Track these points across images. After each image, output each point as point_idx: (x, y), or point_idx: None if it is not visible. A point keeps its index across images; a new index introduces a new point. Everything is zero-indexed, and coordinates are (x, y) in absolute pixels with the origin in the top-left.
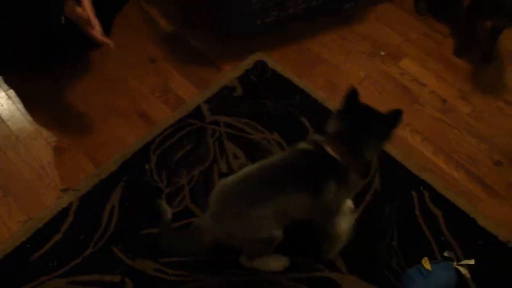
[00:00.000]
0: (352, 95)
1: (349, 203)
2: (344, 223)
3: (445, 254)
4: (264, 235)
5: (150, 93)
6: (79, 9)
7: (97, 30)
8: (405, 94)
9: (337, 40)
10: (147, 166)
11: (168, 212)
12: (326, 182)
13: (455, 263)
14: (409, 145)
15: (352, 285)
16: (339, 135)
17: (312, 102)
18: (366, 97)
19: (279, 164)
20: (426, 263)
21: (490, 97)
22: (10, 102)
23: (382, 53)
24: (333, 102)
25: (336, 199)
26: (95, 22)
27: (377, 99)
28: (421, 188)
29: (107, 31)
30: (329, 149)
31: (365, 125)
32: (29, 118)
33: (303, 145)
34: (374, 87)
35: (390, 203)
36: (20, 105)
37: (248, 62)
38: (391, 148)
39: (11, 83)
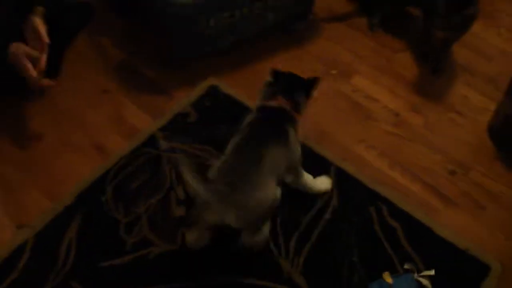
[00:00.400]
0: (275, 72)
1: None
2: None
3: (406, 266)
4: (272, 196)
5: (104, 123)
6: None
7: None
8: (358, 111)
9: (289, 60)
10: (103, 198)
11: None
12: (287, 130)
13: (416, 275)
14: (365, 161)
15: None
16: (279, 93)
17: None
18: (321, 116)
19: (250, 133)
20: (387, 277)
21: (442, 109)
22: None
23: (333, 71)
24: None
25: (296, 146)
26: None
27: (331, 117)
28: (379, 202)
29: (57, 66)
30: (277, 104)
31: (296, 84)
32: None
33: (253, 114)
34: (328, 105)
35: (349, 219)
36: None
37: (201, 87)
38: (347, 164)
39: None
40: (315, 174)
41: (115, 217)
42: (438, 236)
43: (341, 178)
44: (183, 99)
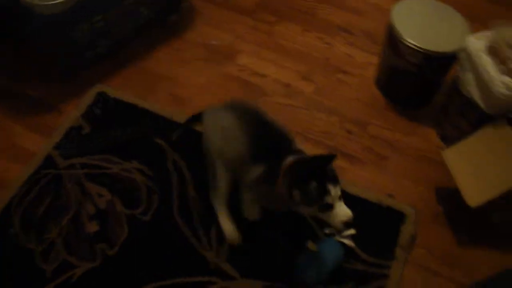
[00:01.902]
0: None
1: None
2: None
3: (326, 231)
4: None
5: None
6: None
7: None
8: (249, 89)
9: (171, 53)
10: (12, 230)
11: None
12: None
13: (337, 237)
14: None
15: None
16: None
17: (162, 121)
18: (213, 103)
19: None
20: (312, 246)
21: (329, 71)
22: None
23: (214, 42)
24: (182, 116)
25: (258, 188)
26: None
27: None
28: None
29: None
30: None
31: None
32: None
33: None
34: (219, 90)
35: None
36: None
37: (89, 96)
38: None
39: None
40: None
41: (29, 247)
42: (350, 194)
43: None
44: (72, 112)
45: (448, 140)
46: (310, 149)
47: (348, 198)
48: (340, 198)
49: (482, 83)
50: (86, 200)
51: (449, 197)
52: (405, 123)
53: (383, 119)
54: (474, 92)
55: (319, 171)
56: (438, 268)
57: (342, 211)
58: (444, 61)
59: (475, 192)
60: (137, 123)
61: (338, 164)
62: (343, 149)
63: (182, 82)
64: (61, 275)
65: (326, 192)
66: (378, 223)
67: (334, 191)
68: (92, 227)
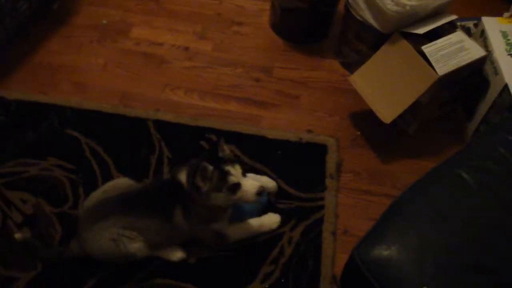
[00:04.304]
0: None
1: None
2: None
3: None
4: (118, 250)
5: None
6: None
7: None
8: (150, 60)
9: (62, 41)
10: None
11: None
12: (174, 208)
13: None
14: (176, 103)
15: None
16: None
17: (69, 111)
18: (117, 80)
19: (140, 188)
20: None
21: (224, 26)
22: None
23: (104, 22)
24: (89, 101)
25: (190, 225)
26: None
27: (127, 77)
28: (207, 134)
29: None
30: (181, 177)
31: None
32: None
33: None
34: (120, 68)
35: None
36: None
37: None
38: (162, 114)
39: None
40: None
41: None
42: (271, 139)
43: (163, 129)
44: None
45: (352, 66)
46: (222, 105)
47: (270, 143)
48: (243, 174)
49: (373, 5)
50: (10, 209)
51: (363, 119)
52: (308, 59)
53: (286, 60)
54: (367, 15)
55: (212, 159)
56: (368, 186)
57: (250, 185)
58: None
59: (387, 108)
60: (45, 120)
61: (254, 113)
62: (255, 97)
63: (80, 68)
64: None
65: (227, 173)
66: (304, 160)
67: (234, 170)
68: (23, 234)
